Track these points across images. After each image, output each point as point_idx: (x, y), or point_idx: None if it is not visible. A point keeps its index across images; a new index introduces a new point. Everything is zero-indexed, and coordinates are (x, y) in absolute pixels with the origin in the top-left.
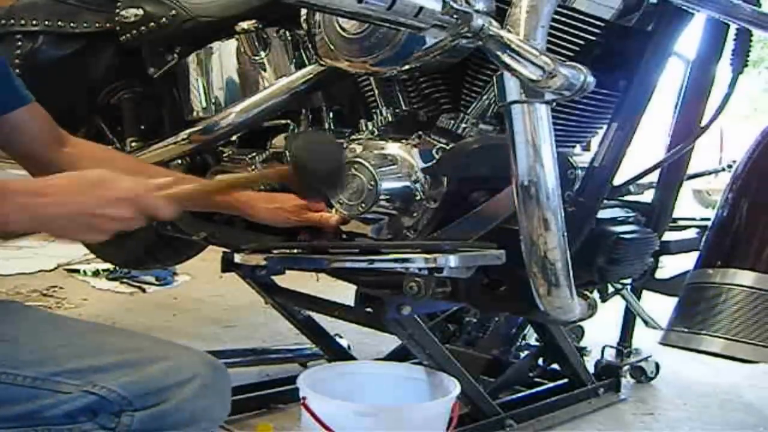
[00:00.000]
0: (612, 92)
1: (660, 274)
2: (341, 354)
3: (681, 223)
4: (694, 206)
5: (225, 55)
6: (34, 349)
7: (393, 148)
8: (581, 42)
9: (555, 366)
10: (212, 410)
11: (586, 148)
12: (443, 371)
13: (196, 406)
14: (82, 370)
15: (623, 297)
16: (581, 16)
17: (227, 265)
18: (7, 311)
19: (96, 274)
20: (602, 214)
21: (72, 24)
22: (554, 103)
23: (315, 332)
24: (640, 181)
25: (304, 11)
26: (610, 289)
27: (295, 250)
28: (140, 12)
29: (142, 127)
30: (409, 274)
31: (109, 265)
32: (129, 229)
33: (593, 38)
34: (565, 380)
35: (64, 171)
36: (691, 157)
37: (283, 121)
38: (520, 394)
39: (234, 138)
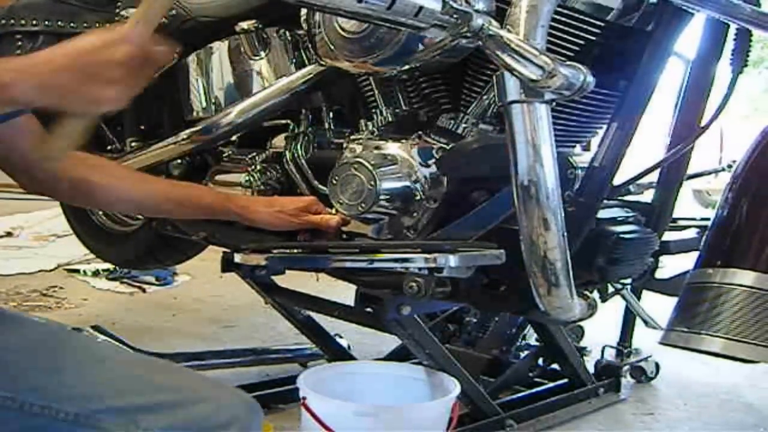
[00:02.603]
0: (612, 92)
1: (660, 274)
2: (341, 354)
3: (681, 223)
4: (694, 206)
5: (225, 55)
6: (78, 383)
7: (393, 148)
8: (581, 42)
9: (555, 366)
10: None
11: (586, 148)
12: (443, 371)
13: None
14: (125, 409)
15: (623, 297)
16: (581, 16)
17: (227, 265)
18: (51, 337)
19: (96, 274)
20: (602, 214)
21: (72, 24)
22: (554, 103)
23: (315, 332)
24: (640, 181)
25: (304, 11)
26: (610, 289)
27: (295, 250)
28: None
29: (142, 127)
30: (409, 274)
31: (109, 265)
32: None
33: (593, 38)
34: (565, 380)
35: (57, 182)
36: (691, 157)
37: (283, 121)
38: (520, 394)
39: (234, 138)
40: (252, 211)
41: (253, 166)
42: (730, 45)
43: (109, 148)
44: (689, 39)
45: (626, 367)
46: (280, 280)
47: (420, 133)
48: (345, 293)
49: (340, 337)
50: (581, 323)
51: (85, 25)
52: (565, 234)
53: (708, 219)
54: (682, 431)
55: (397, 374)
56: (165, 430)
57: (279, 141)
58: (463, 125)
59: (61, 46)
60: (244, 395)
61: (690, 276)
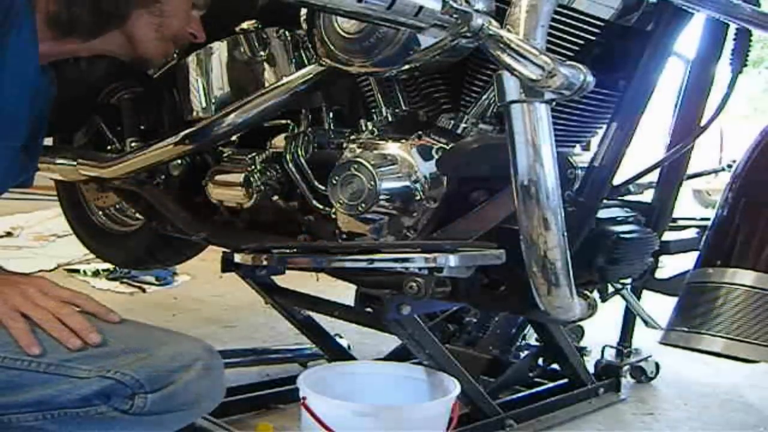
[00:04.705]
0: (612, 92)
1: (660, 274)
2: (341, 354)
3: (681, 223)
4: (694, 206)
5: (225, 55)
6: (44, 336)
7: (393, 148)
8: (581, 42)
9: (555, 366)
10: (213, 391)
11: (586, 148)
12: (443, 371)
13: (200, 387)
14: (93, 356)
15: (623, 297)
16: (581, 16)
17: (227, 265)
18: None
19: (96, 274)
20: (602, 214)
21: None
22: (554, 103)
23: (315, 332)
24: (640, 181)
25: (304, 11)
26: (610, 289)
27: (295, 250)
28: None
29: (142, 127)
30: (409, 273)
31: (109, 265)
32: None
33: (593, 38)
34: (565, 380)
35: None
36: (690, 156)
37: (283, 121)
38: (520, 394)
39: (234, 138)
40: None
41: (253, 166)
42: (730, 45)
43: (109, 148)
44: (689, 39)
45: (626, 367)
46: (280, 280)
47: (420, 133)
48: (345, 293)
49: (340, 337)
50: (581, 323)
51: None
52: (565, 234)
53: (708, 219)
54: (682, 431)
55: (397, 374)
56: (135, 371)
57: (279, 141)
58: (463, 125)
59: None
60: (203, 341)
61: (690, 276)
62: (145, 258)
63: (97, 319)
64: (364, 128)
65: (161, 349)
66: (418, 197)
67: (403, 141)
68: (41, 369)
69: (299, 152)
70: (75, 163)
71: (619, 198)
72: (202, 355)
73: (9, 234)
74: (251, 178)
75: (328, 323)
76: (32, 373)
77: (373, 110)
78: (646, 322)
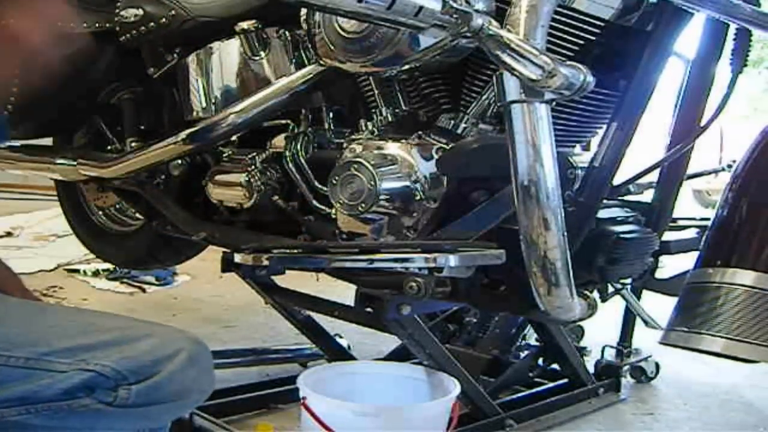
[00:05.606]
0: (612, 92)
1: (660, 274)
2: (341, 354)
3: (681, 223)
4: (694, 206)
5: (225, 55)
6: (23, 331)
7: (393, 148)
8: (581, 42)
9: (555, 366)
10: (201, 381)
11: (586, 148)
12: (443, 371)
13: (186, 377)
14: (74, 349)
15: (623, 297)
16: (581, 16)
17: (227, 265)
18: None
19: (96, 274)
20: (602, 214)
21: (72, 24)
22: (554, 103)
23: (315, 332)
24: (640, 181)
25: (304, 11)
26: (610, 289)
27: (295, 250)
28: (140, 12)
29: (142, 127)
30: (409, 274)
31: (109, 265)
32: None
33: (593, 38)
34: (565, 380)
35: None
36: (690, 156)
37: (283, 121)
38: (520, 394)
39: (234, 138)
40: None
41: (253, 166)
42: (730, 45)
43: (109, 148)
44: (689, 39)
45: (626, 367)
46: (280, 280)
47: (420, 133)
48: (345, 293)
49: (340, 337)
50: (581, 323)
51: (84, 25)
52: (565, 234)
53: (708, 219)
54: (682, 431)
55: (397, 374)
56: (116, 363)
57: (279, 141)
58: (463, 125)
59: None
60: (187, 332)
61: (690, 276)
62: (145, 258)
63: (79, 311)
64: (364, 128)
65: (143, 341)
66: (418, 197)
67: (403, 141)
68: (20, 364)
69: (299, 152)
70: (75, 163)
71: (619, 198)
72: (186, 345)
73: (9, 234)
74: (251, 178)
75: (328, 323)
76: (11, 369)
77: (373, 110)
78: (646, 322)
